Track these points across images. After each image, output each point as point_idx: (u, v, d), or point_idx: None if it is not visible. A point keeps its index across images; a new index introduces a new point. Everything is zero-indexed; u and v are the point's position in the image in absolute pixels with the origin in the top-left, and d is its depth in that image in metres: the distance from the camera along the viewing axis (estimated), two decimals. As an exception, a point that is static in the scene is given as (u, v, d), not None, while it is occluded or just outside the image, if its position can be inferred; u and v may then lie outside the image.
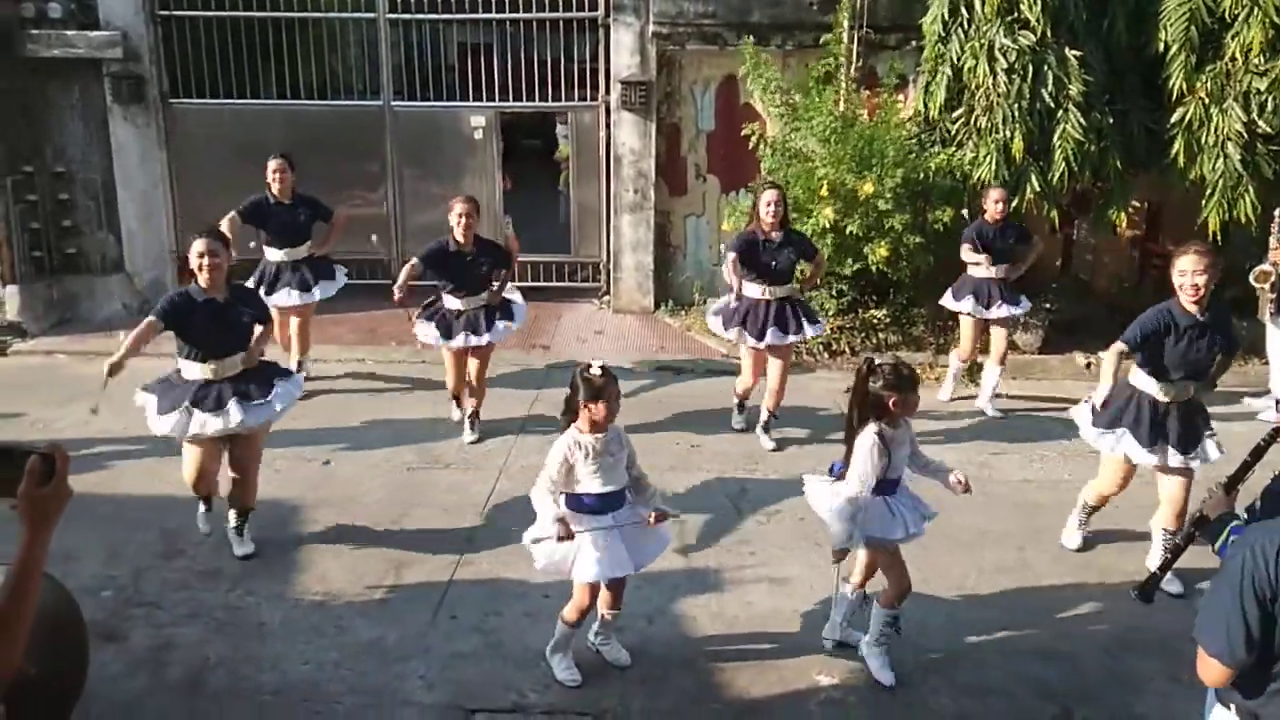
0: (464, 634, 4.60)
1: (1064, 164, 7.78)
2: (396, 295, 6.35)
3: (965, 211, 8.17)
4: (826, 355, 8.50)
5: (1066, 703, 4.20)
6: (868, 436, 4.01)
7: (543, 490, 4.04)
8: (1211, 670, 2.38)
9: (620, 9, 9.21)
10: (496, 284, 6.71)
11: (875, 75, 9.02)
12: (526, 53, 9.50)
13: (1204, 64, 7.69)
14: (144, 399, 5.03)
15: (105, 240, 9.63)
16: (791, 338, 6.66)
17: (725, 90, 9.54)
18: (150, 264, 9.65)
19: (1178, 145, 7.79)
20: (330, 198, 7.93)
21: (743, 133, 8.92)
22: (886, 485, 4.10)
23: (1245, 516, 2.84)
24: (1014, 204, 7.64)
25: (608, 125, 9.55)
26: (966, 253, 7.28)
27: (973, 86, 8.02)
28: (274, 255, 7.36)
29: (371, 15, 9.54)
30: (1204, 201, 7.82)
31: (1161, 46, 7.74)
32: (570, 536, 3.96)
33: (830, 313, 8.55)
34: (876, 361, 4.09)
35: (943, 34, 8.11)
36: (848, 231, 8.12)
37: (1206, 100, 7.66)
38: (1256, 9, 7.34)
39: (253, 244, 7.49)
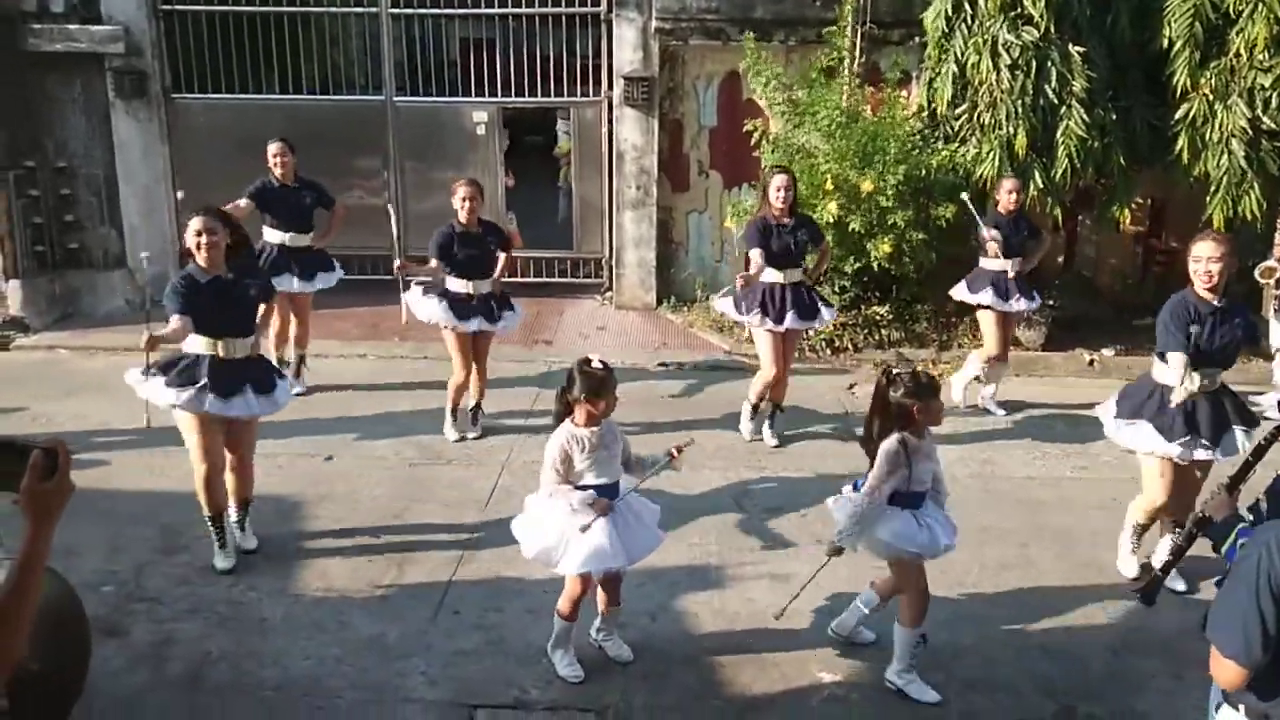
0: (466, 630, 4.59)
1: (1067, 160, 7.76)
2: (398, 263, 6.53)
3: (966, 196, 7.99)
4: (829, 351, 8.49)
5: (1069, 700, 4.19)
6: (890, 442, 3.96)
7: (549, 489, 4.03)
8: (1226, 671, 2.34)
9: (623, 4, 9.19)
10: (497, 270, 6.68)
11: (878, 71, 9.00)
12: (529, 48, 9.48)
13: (1208, 60, 7.66)
14: (137, 377, 4.87)
15: (107, 235, 9.63)
16: (814, 322, 6.67)
17: (728, 86, 9.52)
18: (152, 259, 9.61)
19: (1182, 142, 7.77)
20: (333, 191, 7.91)
21: (745, 128, 8.90)
22: (911, 498, 4.03)
23: (1250, 518, 2.82)
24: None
25: (610, 121, 9.54)
26: (987, 235, 6.99)
27: (976, 83, 8.00)
28: (276, 237, 7.26)
29: (374, 10, 9.53)
30: (1208, 198, 7.80)
31: (1165, 42, 7.72)
32: (608, 510, 4.00)
33: (833, 309, 8.52)
34: (895, 371, 4.03)
35: (946, 30, 8.09)
36: (850, 228, 8.11)
37: (1211, 96, 7.64)
38: (1261, 5, 7.31)
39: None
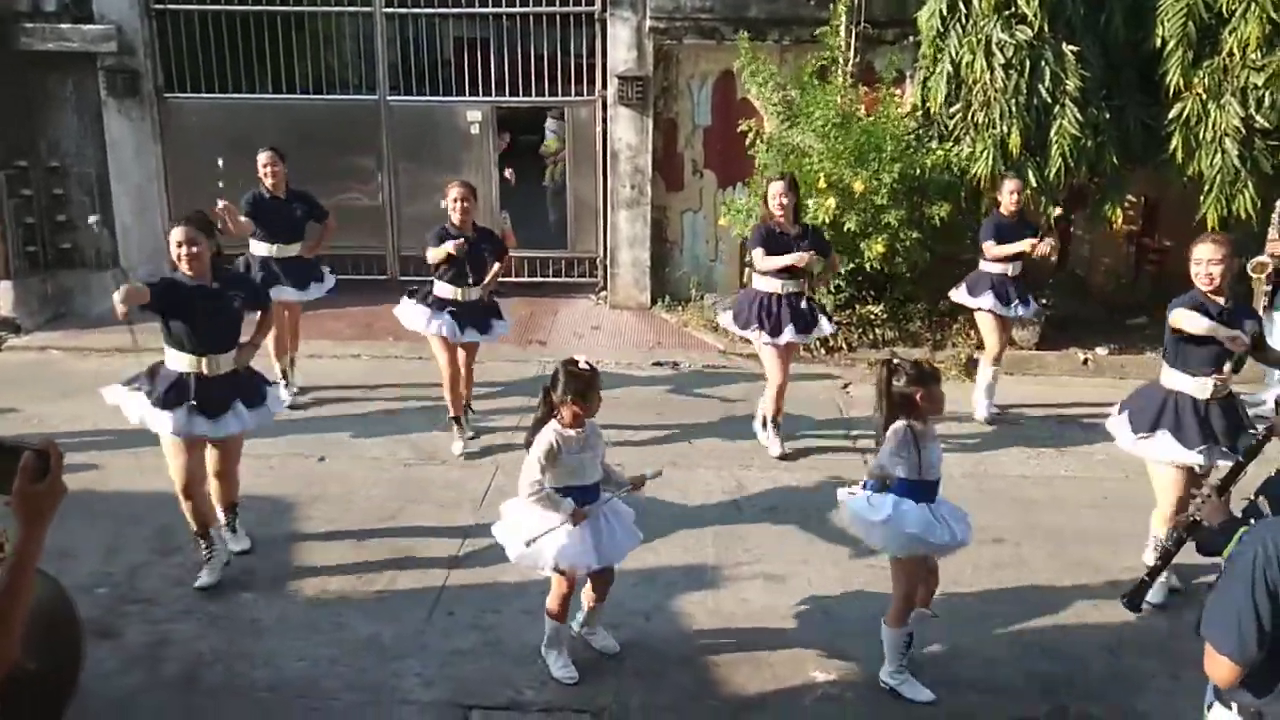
0: (461, 631, 4.59)
1: (1061, 159, 7.78)
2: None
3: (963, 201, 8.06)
4: (823, 351, 8.49)
5: (1064, 699, 4.20)
6: (898, 424, 4.00)
7: (529, 492, 4.00)
8: (1221, 669, 2.34)
9: (617, 3, 9.19)
10: (488, 278, 6.53)
11: (873, 70, 9.00)
12: (523, 47, 9.47)
13: (1201, 59, 7.68)
14: (122, 395, 4.77)
15: (100, 235, 9.57)
16: (810, 336, 6.59)
17: (722, 85, 9.52)
18: (145, 258, 9.61)
19: (1175, 141, 7.79)
20: (326, 191, 7.91)
21: (739, 128, 8.91)
22: (925, 489, 4.04)
23: (1253, 522, 2.79)
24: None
25: (604, 120, 9.53)
26: (993, 248, 6.87)
27: (970, 82, 8.01)
28: (262, 250, 7.04)
29: (368, 9, 9.51)
30: (1202, 197, 7.82)
31: (1159, 42, 7.74)
32: (584, 517, 4.01)
33: (827, 309, 8.52)
34: (895, 361, 4.08)
35: (940, 29, 8.09)
36: (844, 228, 8.11)
37: (1204, 96, 7.66)
38: (1254, 4, 7.32)
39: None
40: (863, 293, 8.92)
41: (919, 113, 8.58)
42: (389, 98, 9.72)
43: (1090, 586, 5.02)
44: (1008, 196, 6.99)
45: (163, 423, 4.68)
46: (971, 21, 7.93)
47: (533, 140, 14.81)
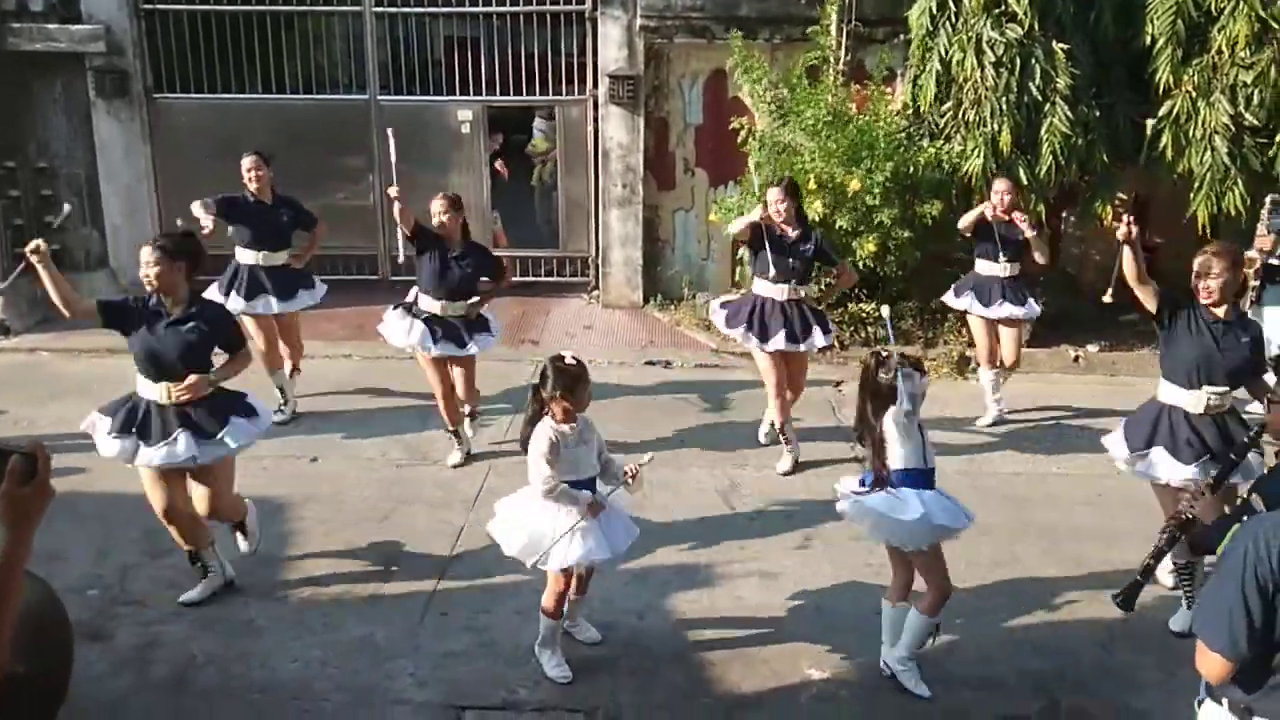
0: (454, 631, 4.58)
1: (1051, 157, 7.79)
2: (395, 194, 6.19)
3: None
4: (815, 350, 8.46)
5: (1057, 695, 4.21)
6: (891, 419, 3.99)
7: (545, 489, 4.01)
8: (1212, 665, 2.34)
9: (608, 2, 9.17)
10: (477, 298, 6.26)
11: (863, 69, 9.01)
12: (514, 46, 9.45)
13: (1190, 57, 7.70)
14: (93, 421, 4.66)
15: (89, 236, 9.54)
16: (800, 346, 6.20)
17: (713, 84, 9.51)
18: (134, 260, 9.54)
19: (1165, 139, 7.81)
20: (316, 192, 7.89)
21: (731, 126, 8.90)
22: (921, 477, 4.03)
23: (1246, 518, 2.79)
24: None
25: (595, 119, 9.52)
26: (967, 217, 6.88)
27: (960, 80, 8.02)
28: (247, 258, 6.75)
29: (358, 8, 9.48)
30: (1192, 195, 7.84)
31: (1148, 40, 7.76)
32: (600, 509, 4.05)
33: (829, 333, 8.47)
34: (882, 353, 4.10)
35: (930, 27, 8.10)
36: (836, 227, 8.11)
37: (1193, 93, 7.68)
38: (1242, 3, 7.35)
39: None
40: (854, 291, 8.91)
41: (909, 111, 8.59)
42: (379, 97, 9.70)
43: (1085, 584, 5.02)
44: (997, 198, 6.95)
45: (107, 449, 4.57)
46: (961, 20, 7.95)
47: (523, 140, 14.80)
